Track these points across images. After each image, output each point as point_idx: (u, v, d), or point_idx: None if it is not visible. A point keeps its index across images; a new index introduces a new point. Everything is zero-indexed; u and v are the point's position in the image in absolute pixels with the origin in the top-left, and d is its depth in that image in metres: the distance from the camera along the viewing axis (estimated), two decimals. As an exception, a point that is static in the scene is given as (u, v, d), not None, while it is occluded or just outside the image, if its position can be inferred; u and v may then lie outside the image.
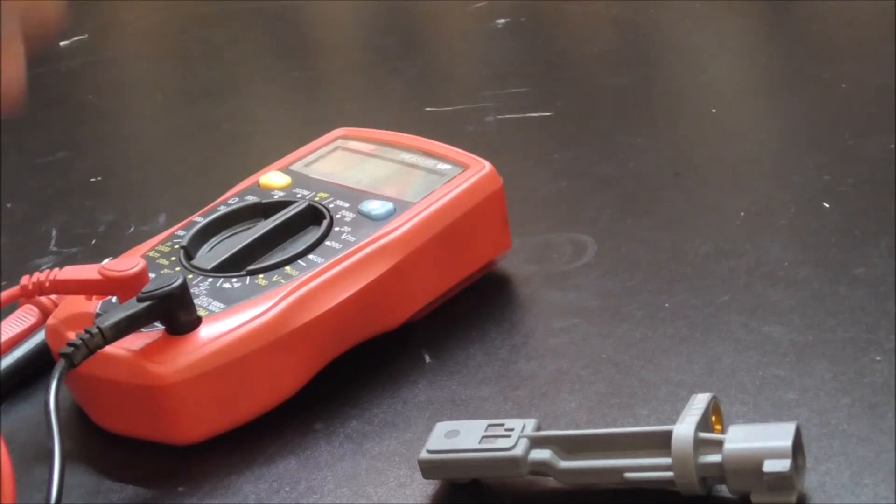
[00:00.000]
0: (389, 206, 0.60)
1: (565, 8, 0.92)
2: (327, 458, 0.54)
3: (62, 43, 0.93)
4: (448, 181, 0.61)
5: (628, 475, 0.48)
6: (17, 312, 0.63)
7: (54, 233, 0.73)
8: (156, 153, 0.83)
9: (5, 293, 0.60)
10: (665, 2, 0.88)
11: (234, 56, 0.97)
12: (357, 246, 0.58)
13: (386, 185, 0.62)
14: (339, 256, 0.58)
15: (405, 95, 0.85)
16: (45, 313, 0.62)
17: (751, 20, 0.87)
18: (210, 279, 0.58)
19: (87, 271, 0.58)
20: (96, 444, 0.57)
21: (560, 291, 0.61)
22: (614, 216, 0.66)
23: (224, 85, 0.91)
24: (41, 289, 0.59)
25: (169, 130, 0.86)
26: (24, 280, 0.60)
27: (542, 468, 0.49)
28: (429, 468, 0.51)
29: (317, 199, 0.62)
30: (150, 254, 0.61)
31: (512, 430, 0.50)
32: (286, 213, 0.61)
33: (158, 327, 0.56)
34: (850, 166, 0.67)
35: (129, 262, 0.57)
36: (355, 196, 0.61)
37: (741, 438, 0.47)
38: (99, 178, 0.79)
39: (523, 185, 0.69)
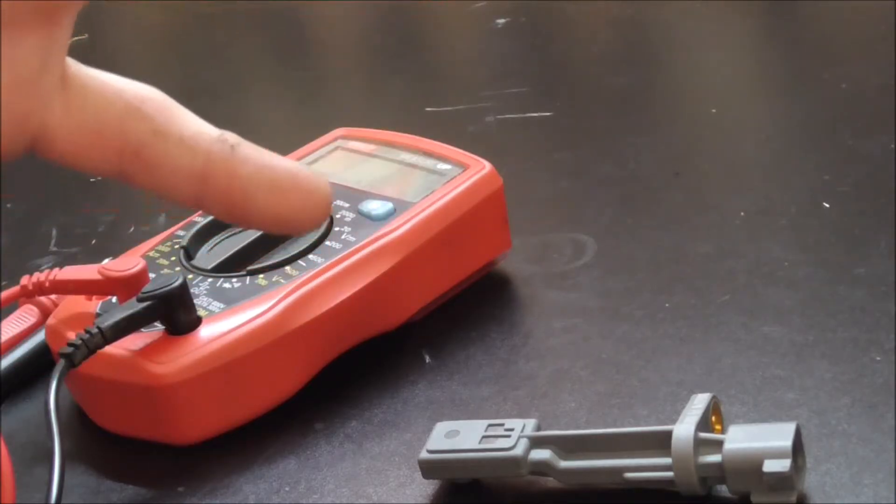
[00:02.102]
0: (389, 206, 0.60)
1: (565, 8, 0.92)
2: (327, 458, 0.54)
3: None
4: (448, 181, 0.61)
5: (628, 475, 0.48)
6: (17, 312, 0.63)
7: (54, 233, 0.73)
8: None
9: (5, 293, 0.60)
10: (665, 2, 0.88)
11: (234, 56, 0.97)
12: (357, 246, 0.58)
13: (386, 185, 0.62)
14: (339, 256, 0.58)
15: (405, 95, 0.85)
16: (45, 313, 0.62)
17: (751, 20, 0.87)
18: (210, 279, 0.58)
19: (87, 271, 0.58)
20: (96, 444, 0.57)
21: (560, 291, 0.61)
22: (614, 216, 0.66)
23: (224, 85, 0.91)
24: (41, 289, 0.59)
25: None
26: (24, 280, 0.60)
27: (542, 468, 0.49)
28: (429, 468, 0.51)
29: (317, 199, 0.61)
30: (150, 254, 0.61)
31: (512, 430, 0.50)
32: (286, 213, 0.60)
33: (158, 327, 0.56)
34: (850, 166, 0.67)
35: (129, 262, 0.57)
36: (355, 196, 0.61)
37: (741, 438, 0.47)
38: (99, 178, 0.79)
39: (523, 185, 0.69)
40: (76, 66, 0.39)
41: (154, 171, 0.39)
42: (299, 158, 0.65)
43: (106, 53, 0.96)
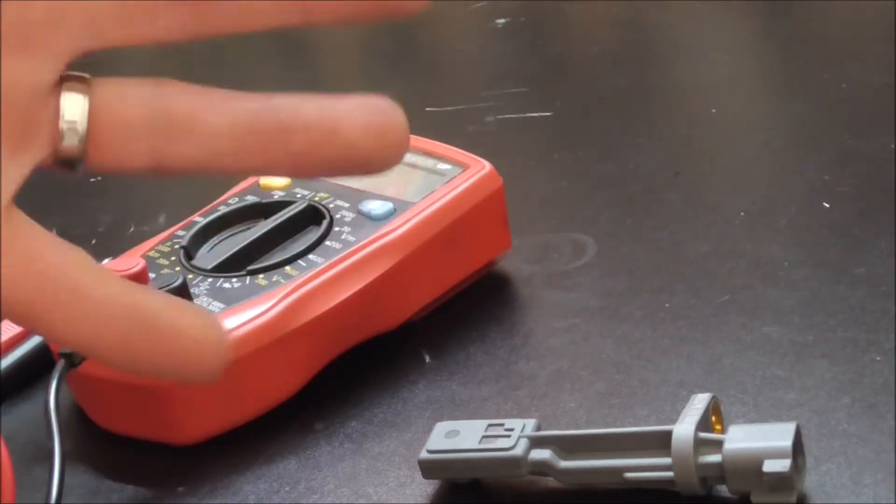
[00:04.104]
0: (389, 206, 0.60)
1: (565, 8, 0.92)
2: (327, 458, 0.54)
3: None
4: (448, 181, 0.61)
5: (628, 475, 0.48)
6: (17, 312, 0.63)
7: (54, 233, 0.73)
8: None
9: (5, 293, 0.60)
10: (665, 2, 0.88)
11: (235, 56, 0.97)
12: (357, 246, 0.58)
13: (386, 185, 0.62)
14: (339, 256, 0.58)
15: (405, 95, 0.84)
16: (45, 313, 0.62)
17: (751, 20, 0.87)
18: (210, 279, 0.58)
19: (87, 271, 0.58)
20: (96, 444, 0.57)
21: (560, 291, 0.61)
22: (614, 216, 0.66)
23: (224, 85, 0.91)
24: (41, 289, 0.59)
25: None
26: (24, 280, 0.59)
27: (542, 468, 0.49)
28: (429, 468, 0.51)
29: (317, 198, 0.62)
30: (150, 254, 0.61)
31: (512, 430, 0.50)
32: (286, 213, 0.61)
33: (158, 327, 0.55)
34: (850, 166, 0.67)
35: (129, 262, 0.57)
36: (355, 196, 0.61)
37: (741, 438, 0.47)
38: (99, 178, 0.79)
39: (523, 185, 0.69)
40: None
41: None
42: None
43: (105, 53, 0.96)
